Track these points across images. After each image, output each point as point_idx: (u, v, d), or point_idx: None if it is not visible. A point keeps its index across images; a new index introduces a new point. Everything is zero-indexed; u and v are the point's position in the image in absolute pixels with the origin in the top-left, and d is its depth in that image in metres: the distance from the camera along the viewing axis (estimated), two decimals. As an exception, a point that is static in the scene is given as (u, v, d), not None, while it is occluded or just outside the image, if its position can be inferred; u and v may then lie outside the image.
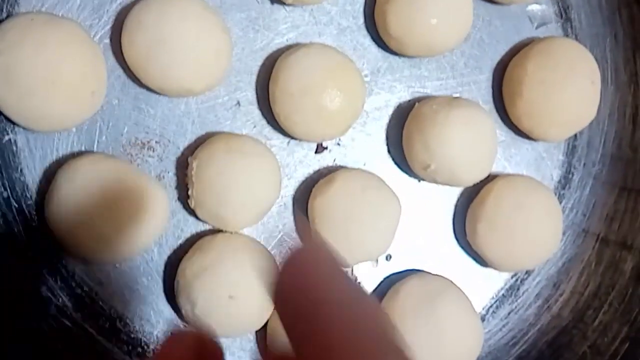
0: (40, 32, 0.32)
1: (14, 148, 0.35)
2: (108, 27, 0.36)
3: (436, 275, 0.39)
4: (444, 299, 0.38)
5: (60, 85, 0.32)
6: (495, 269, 0.41)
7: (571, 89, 0.40)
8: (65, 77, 0.32)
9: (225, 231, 0.36)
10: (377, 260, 0.40)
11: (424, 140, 0.38)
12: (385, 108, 0.40)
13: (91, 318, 0.35)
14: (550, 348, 0.41)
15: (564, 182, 0.43)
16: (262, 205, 0.36)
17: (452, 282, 0.39)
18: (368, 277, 0.39)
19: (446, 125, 0.38)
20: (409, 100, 0.41)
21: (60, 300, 0.35)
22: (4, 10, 0.35)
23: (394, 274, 0.40)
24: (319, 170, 0.39)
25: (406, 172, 0.40)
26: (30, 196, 0.35)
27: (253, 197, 0.35)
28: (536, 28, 0.43)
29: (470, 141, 0.38)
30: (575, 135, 0.43)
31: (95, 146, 0.36)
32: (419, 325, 0.37)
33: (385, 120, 0.40)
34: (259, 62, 0.38)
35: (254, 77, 0.38)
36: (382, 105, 0.40)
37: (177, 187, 0.37)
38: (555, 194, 0.42)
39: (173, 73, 0.34)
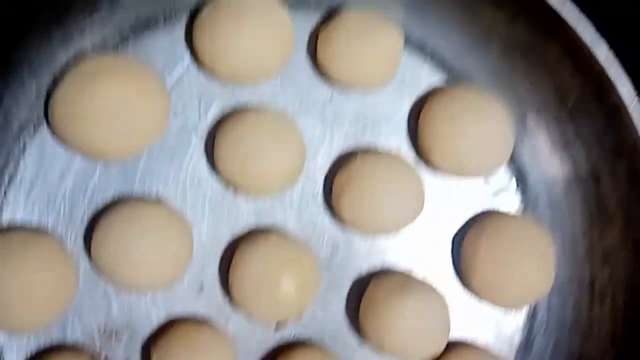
0: (20, 251, 0.36)
1: (-4, 346, 0.39)
2: (81, 234, 0.40)
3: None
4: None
5: (35, 297, 0.36)
6: None
7: (524, 269, 0.41)
8: (40, 290, 0.36)
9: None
10: None
11: (377, 324, 0.40)
12: (344, 283, 0.42)
13: None
14: None
15: (526, 346, 0.44)
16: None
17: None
18: None
19: (398, 312, 0.39)
20: (368, 274, 0.43)
21: None
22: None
23: None
24: (279, 346, 0.41)
25: (365, 344, 0.42)
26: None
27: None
28: (494, 196, 0.45)
29: (421, 325, 0.40)
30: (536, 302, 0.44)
31: (68, 337, 0.39)
32: None
33: (343, 293, 0.42)
34: (222, 248, 0.41)
35: (217, 263, 0.41)
36: (340, 280, 0.42)
37: (143, 373, 0.40)
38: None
39: (138, 275, 0.38)
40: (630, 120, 0.38)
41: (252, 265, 0.39)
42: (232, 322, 0.41)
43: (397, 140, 0.43)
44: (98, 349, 0.39)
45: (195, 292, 0.41)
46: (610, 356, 0.41)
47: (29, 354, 0.39)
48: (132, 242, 0.37)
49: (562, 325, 0.44)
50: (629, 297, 0.41)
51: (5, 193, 0.39)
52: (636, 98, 0.39)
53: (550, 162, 0.43)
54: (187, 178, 0.41)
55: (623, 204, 0.41)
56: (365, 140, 0.43)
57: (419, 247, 0.43)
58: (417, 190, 0.42)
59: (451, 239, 0.44)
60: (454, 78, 0.44)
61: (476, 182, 0.44)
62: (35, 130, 0.40)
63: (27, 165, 0.40)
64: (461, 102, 0.42)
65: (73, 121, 0.38)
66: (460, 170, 0.43)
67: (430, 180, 0.43)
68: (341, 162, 0.42)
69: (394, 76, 0.43)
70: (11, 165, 0.39)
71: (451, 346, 0.42)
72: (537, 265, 0.41)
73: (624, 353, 0.41)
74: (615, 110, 0.39)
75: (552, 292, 0.43)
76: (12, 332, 0.38)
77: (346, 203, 0.41)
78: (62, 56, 0.40)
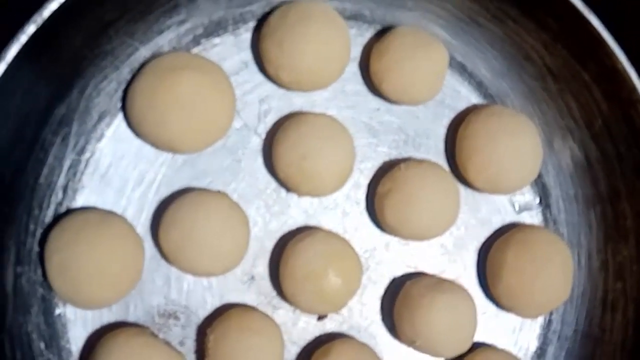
0: (93, 230, 0.39)
1: (63, 320, 0.41)
2: (148, 220, 0.43)
3: None
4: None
5: (105, 276, 0.39)
6: None
7: (545, 278, 0.45)
8: (111, 269, 0.39)
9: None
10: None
11: (411, 320, 0.43)
12: (381, 282, 0.46)
13: None
14: None
15: (540, 352, 0.47)
16: (267, 373, 0.42)
17: None
18: None
19: (430, 309, 0.43)
20: (402, 275, 0.46)
21: None
22: (63, 205, 0.42)
23: None
24: (319, 336, 0.45)
25: (398, 339, 0.46)
26: (74, 363, 0.41)
27: (259, 368, 0.41)
28: (518, 212, 0.49)
29: (451, 323, 0.43)
30: (551, 312, 0.48)
31: (130, 316, 0.42)
32: None
33: (380, 292, 0.46)
34: (273, 242, 0.45)
35: (268, 256, 0.45)
36: (378, 279, 0.46)
37: (196, 352, 0.43)
38: (532, 364, 0.47)
39: (200, 261, 0.41)
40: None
41: (300, 261, 0.42)
42: (278, 312, 0.44)
43: (435, 154, 0.47)
44: (156, 329, 0.42)
45: (246, 282, 0.44)
46: (620, 363, 0.45)
47: (93, 330, 0.42)
48: (197, 230, 0.40)
49: (574, 334, 0.48)
50: (639, 308, 0.45)
51: (82, 178, 0.42)
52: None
53: (572, 181, 0.48)
54: (245, 175, 0.45)
55: (638, 220, 0.45)
56: (407, 151, 0.47)
57: (449, 254, 0.47)
58: (455, 201, 0.45)
59: (478, 249, 0.47)
60: (490, 98, 0.48)
61: (503, 198, 0.48)
62: (112, 121, 0.43)
63: (103, 153, 0.43)
64: (496, 122, 0.46)
65: (148, 113, 0.41)
66: (492, 186, 0.46)
67: (462, 192, 0.47)
68: (384, 171, 0.46)
69: (437, 94, 0.47)
70: (88, 152, 0.42)
71: (475, 347, 0.46)
72: (557, 276, 0.45)
73: (633, 360, 0.45)
74: (638, 134, 0.43)
75: (566, 302, 0.47)
76: (81, 308, 0.41)
77: (387, 209, 0.44)
78: (142, 52, 0.43)
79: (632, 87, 0.43)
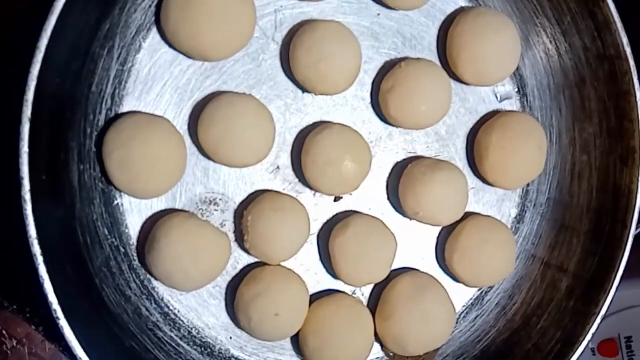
0: (144, 130, 0.44)
1: (121, 209, 0.48)
2: (185, 121, 0.49)
3: (424, 272, 0.53)
4: (430, 290, 0.51)
5: (157, 169, 0.45)
6: (465, 285, 0.53)
7: (524, 153, 0.52)
8: (161, 162, 0.45)
9: (270, 264, 0.50)
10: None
11: (414, 195, 0.51)
12: (386, 166, 0.53)
13: (175, 329, 0.49)
14: (505, 344, 0.53)
15: (519, 218, 0.56)
16: (297, 245, 0.49)
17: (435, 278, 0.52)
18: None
19: (431, 184, 0.50)
20: (404, 159, 0.53)
21: (154, 317, 0.48)
22: (112, 110, 0.47)
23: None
24: (336, 214, 0.52)
25: (401, 214, 0.54)
26: (133, 244, 0.48)
27: (291, 240, 0.48)
28: (500, 101, 0.56)
29: (448, 195, 0.51)
30: (528, 183, 0.56)
31: (177, 204, 0.49)
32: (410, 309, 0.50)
33: (385, 176, 0.53)
34: (293, 136, 0.51)
35: (289, 148, 0.51)
36: (383, 164, 0.53)
37: (235, 232, 0.50)
38: (512, 227, 0.56)
39: (235, 153, 0.47)
40: (615, 33, 0.50)
41: (320, 150, 0.49)
42: (300, 196, 0.51)
43: (429, 53, 0.54)
44: (200, 214, 0.49)
45: (272, 172, 0.51)
46: (586, 221, 0.54)
47: (147, 217, 0.48)
48: (230, 127, 0.46)
49: (548, 201, 0.56)
50: (601, 175, 0.54)
51: (126, 86, 0.47)
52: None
53: (545, 71, 0.55)
54: (266, 78, 0.50)
55: (600, 102, 0.53)
56: (405, 52, 0.53)
57: (442, 140, 0.54)
58: (447, 93, 0.52)
59: (467, 134, 0.55)
60: (476, 1, 0.54)
61: (487, 89, 0.55)
62: (147, 34, 0.48)
63: (142, 63, 0.48)
64: (481, 21, 0.52)
65: (180, 25, 0.46)
66: (478, 79, 0.53)
67: (452, 86, 0.53)
68: (386, 70, 0.52)
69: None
70: (129, 62, 0.47)
71: (465, 215, 0.54)
72: (533, 152, 0.53)
73: (597, 218, 0.54)
74: (603, 26, 0.50)
75: (541, 174, 0.55)
76: (136, 197, 0.47)
77: (390, 103, 0.51)
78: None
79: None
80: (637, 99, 0.50)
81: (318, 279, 0.52)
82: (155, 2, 0.47)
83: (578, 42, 0.53)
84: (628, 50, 0.49)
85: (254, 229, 0.48)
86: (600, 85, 0.52)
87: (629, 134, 0.50)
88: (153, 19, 0.48)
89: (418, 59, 0.52)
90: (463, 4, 0.54)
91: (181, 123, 0.49)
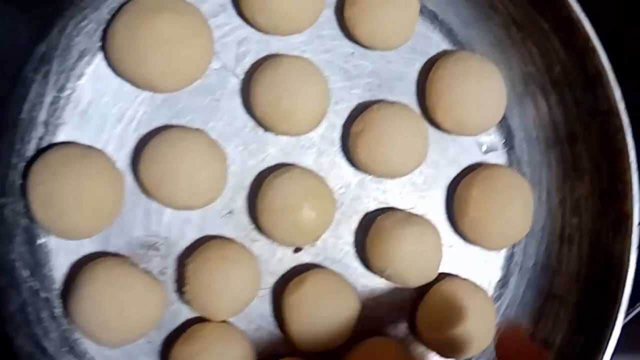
0: (75, 164, 0.40)
1: (46, 249, 0.43)
2: (128, 155, 0.44)
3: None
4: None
5: (87, 207, 0.40)
6: (440, 356, 0.48)
7: (507, 210, 0.48)
8: (92, 200, 0.41)
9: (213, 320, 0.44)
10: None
11: (382, 251, 0.46)
12: (355, 217, 0.49)
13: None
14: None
15: (503, 282, 0.51)
16: (242, 301, 0.44)
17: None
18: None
19: (400, 240, 0.46)
20: (374, 210, 0.49)
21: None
22: (45, 139, 0.43)
23: None
24: (295, 267, 0.47)
25: (370, 271, 0.48)
26: (56, 289, 0.43)
27: (236, 295, 0.43)
28: (485, 153, 0.51)
29: (419, 254, 0.46)
30: (514, 245, 0.51)
31: (110, 247, 0.44)
32: None
33: (353, 227, 0.48)
34: (251, 179, 0.47)
35: (246, 191, 0.46)
36: (352, 214, 0.48)
37: (176, 282, 0.45)
38: (495, 293, 0.50)
39: (179, 195, 0.43)
40: (607, 86, 0.45)
41: (277, 195, 0.44)
42: (256, 245, 0.46)
43: (407, 97, 0.49)
44: (137, 260, 0.44)
45: (225, 216, 0.46)
46: (574, 291, 0.48)
47: (75, 260, 0.43)
48: (176, 165, 0.42)
49: (534, 265, 0.51)
50: (593, 241, 0.48)
51: (62, 114, 0.43)
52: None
53: (534, 124, 0.50)
54: (224, 114, 0.46)
55: (593, 161, 0.48)
56: (380, 94, 0.49)
57: (419, 191, 0.49)
58: (423, 141, 0.48)
59: (446, 187, 0.50)
60: (460, 45, 0.50)
61: (470, 139, 0.51)
62: (92, 59, 0.44)
63: (84, 90, 0.44)
64: (463, 66, 0.48)
65: (127, 53, 0.42)
66: (459, 127, 0.49)
67: (431, 134, 0.49)
68: (358, 112, 0.48)
69: (408, 40, 0.48)
70: (69, 89, 0.43)
71: (441, 276, 0.49)
72: (518, 211, 0.48)
73: (586, 289, 0.48)
74: (594, 79, 0.46)
75: (528, 236, 0.50)
76: (63, 238, 0.42)
77: (360, 147, 0.47)
78: (120, -7, 0.44)
79: (586, 36, 0.45)
80: (631, 159, 0.45)
81: (271, 340, 0.46)
82: (102, 27, 0.44)
83: (569, 95, 0.48)
84: (621, 106, 0.45)
85: (194, 280, 0.43)
86: (592, 142, 0.47)
87: (621, 197, 0.45)
88: (99, 44, 0.44)
89: (393, 102, 0.48)
90: (446, 47, 0.50)
91: (123, 158, 0.44)
